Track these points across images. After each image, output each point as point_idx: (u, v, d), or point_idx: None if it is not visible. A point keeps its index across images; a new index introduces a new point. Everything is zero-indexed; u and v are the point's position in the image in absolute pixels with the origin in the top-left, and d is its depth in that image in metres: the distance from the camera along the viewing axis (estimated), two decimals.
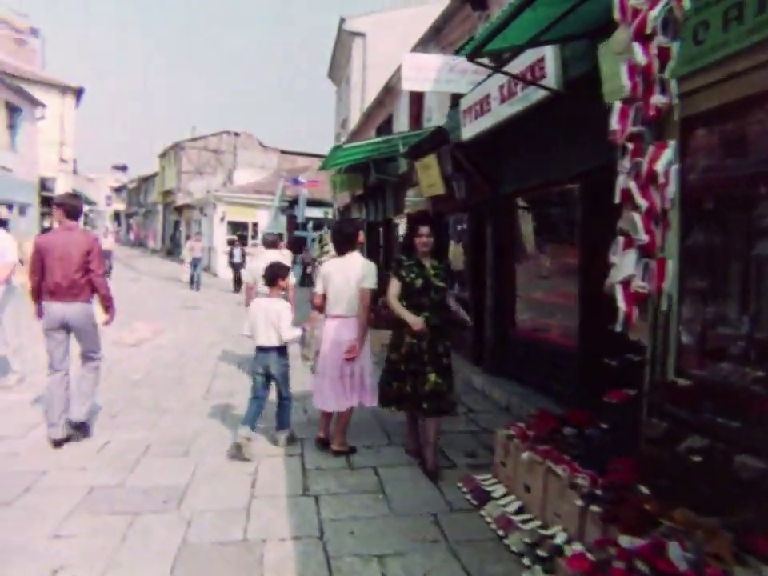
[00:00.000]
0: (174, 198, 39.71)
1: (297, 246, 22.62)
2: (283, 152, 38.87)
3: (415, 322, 4.47)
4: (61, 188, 27.15)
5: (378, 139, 9.90)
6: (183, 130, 56.10)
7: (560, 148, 5.84)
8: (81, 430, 5.24)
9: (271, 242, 8.16)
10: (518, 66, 5.46)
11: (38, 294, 5.08)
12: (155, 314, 14.12)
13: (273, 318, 4.99)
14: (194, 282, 20.30)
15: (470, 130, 6.89)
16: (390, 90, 12.75)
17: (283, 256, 8.32)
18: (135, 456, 4.87)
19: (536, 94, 5.32)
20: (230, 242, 23.53)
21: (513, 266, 7.42)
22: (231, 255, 21.21)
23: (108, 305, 5.31)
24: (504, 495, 4.04)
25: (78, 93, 26.92)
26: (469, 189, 8.04)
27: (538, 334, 7.00)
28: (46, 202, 23.18)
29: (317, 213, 25.34)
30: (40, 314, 5.15)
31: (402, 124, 11.87)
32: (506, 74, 5.60)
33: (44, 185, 23.48)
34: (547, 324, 6.90)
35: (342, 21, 19.28)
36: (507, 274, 7.45)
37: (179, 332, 11.61)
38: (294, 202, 26.07)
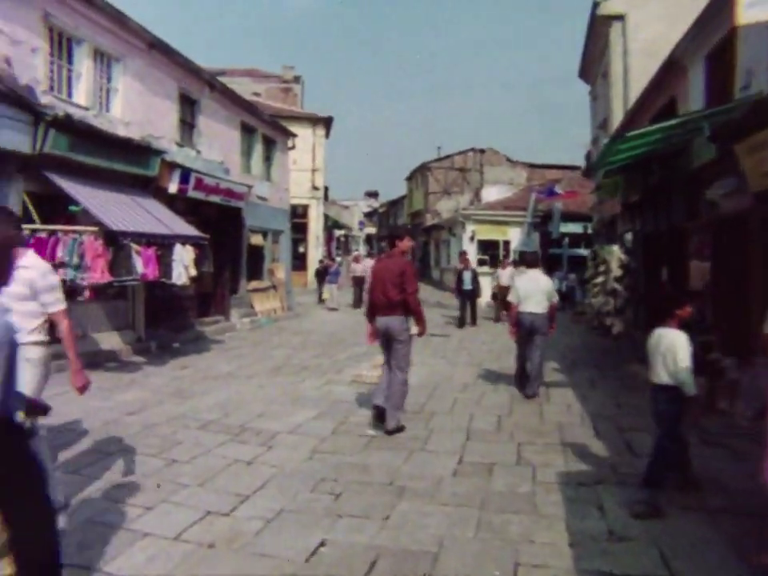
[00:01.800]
0: (422, 220, 39.95)
1: (551, 264, 20.38)
2: (531, 166, 37.04)
3: None
4: (313, 214, 28.51)
5: (672, 122, 7.46)
6: (429, 151, 57.17)
7: None
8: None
9: (532, 261, 8.33)
10: None
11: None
12: None
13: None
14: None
15: None
16: (672, 66, 10.12)
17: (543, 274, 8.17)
18: None
19: None
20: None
21: None
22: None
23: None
24: None
25: (328, 122, 28.01)
26: None
27: None
28: (298, 228, 24.23)
29: (573, 227, 22.85)
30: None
31: (694, 105, 9.20)
32: None
33: (295, 212, 24.52)
34: None
35: (596, 5, 16.76)
36: None
37: (427, 366, 10.21)
38: (546, 217, 23.88)
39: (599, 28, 17.39)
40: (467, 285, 15.93)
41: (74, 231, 8.18)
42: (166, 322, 12.11)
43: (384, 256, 6.26)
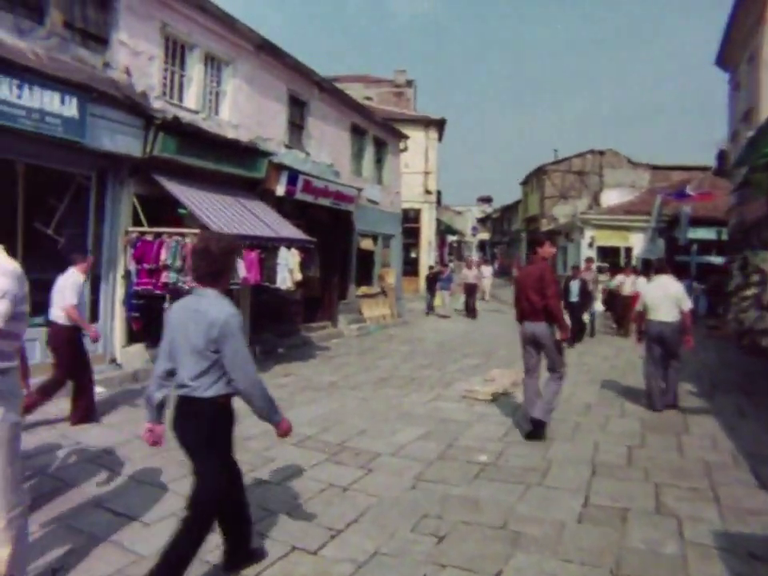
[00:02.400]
0: (538, 225, 38.36)
1: (678, 272, 18.46)
2: (655, 167, 34.39)
3: None
4: (425, 219, 27.95)
5: None
6: (545, 154, 55.35)
7: None
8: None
9: (660, 266, 8.11)
10: None
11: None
12: (516, 355, 12.18)
13: None
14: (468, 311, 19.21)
15: None
16: None
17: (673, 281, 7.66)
18: None
19: None
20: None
21: None
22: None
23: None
24: None
25: (441, 125, 27.37)
26: None
27: None
28: (409, 233, 23.70)
29: (704, 233, 20.72)
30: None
31: None
32: None
33: (407, 216, 24.05)
34: None
35: None
36: None
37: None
38: (673, 222, 21.87)
39: (749, 4, 15.52)
40: (573, 296, 13.68)
41: (178, 234, 8.05)
42: (272, 326, 11.93)
43: (527, 263, 6.66)
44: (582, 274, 14.72)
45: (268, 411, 3.27)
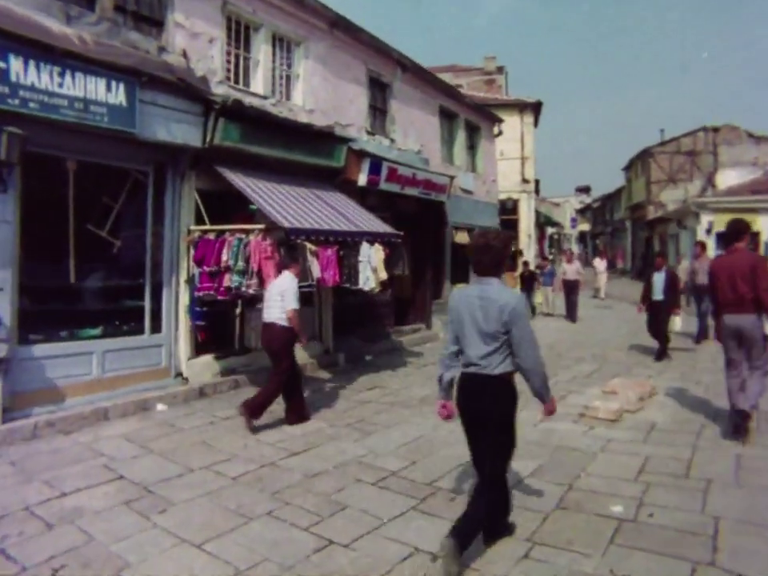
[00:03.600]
0: (644, 212, 35.35)
1: None
2: None
3: None
4: (524, 210, 26.12)
5: None
6: (649, 136, 51.48)
7: None
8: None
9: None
10: None
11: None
12: (635, 359, 10.44)
13: None
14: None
15: None
16: None
17: None
18: None
19: None
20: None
21: None
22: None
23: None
24: None
25: (536, 108, 25.46)
26: None
27: None
28: (507, 225, 21.99)
29: None
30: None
31: None
32: None
33: (504, 206, 22.38)
34: None
35: None
36: None
37: (678, 396, 7.61)
38: None
39: None
40: (657, 294, 10.31)
41: (240, 231, 7.07)
42: (358, 331, 10.84)
43: (725, 253, 6.10)
44: (698, 262, 11.70)
45: (543, 390, 3.68)
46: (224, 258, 6.79)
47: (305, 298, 8.83)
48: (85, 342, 6.87)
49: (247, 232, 6.99)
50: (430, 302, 13.56)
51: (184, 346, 7.76)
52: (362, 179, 10.31)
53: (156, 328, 7.57)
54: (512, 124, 22.93)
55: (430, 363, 10.21)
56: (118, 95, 6.53)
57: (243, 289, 6.73)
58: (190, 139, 7.46)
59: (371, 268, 8.59)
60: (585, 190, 67.93)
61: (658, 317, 10.34)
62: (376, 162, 10.48)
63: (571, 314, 16.34)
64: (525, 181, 25.62)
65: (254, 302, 8.28)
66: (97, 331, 7.03)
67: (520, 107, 24.81)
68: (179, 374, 7.76)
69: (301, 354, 9.42)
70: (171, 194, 7.68)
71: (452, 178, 13.42)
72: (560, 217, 56.58)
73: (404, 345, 11.65)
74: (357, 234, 8.44)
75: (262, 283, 6.67)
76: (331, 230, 7.94)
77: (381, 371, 9.40)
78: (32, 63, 5.81)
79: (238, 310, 8.53)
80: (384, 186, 10.84)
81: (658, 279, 10.36)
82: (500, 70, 31.52)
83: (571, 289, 16.43)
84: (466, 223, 15.69)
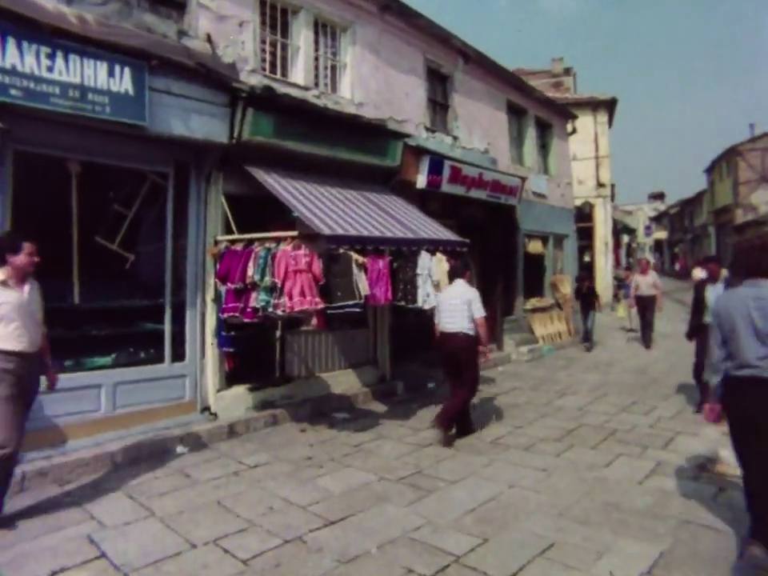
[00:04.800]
0: (731, 216, 32.49)
1: None
2: None
3: None
4: (600, 216, 24.12)
5: None
6: (736, 133, 47.99)
7: None
8: None
9: None
10: None
11: None
12: None
13: None
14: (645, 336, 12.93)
15: None
16: None
17: None
18: None
19: None
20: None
21: None
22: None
23: None
24: None
25: (610, 106, 23.52)
26: None
27: None
28: (581, 233, 20.15)
29: None
30: None
31: None
32: None
33: (581, 212, 20.56)
34: None
35: None
36: None
37: None
38: None
39: None
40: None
41: (273, 239, 5.87)
42: (419, 354, 9.47)
43: None
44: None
45: None
46: (249, 272, 5.61)
47: (356, 318, 7.62)
48: (92, 372, 5.82)
49: (279, 240, 5.78)
50: (501, 319, 12.03)
51: (212, 375, 6.62)
52: (422, 180, 9.00)
53: (178, 355, 6.45)
54: (585, 124, 21.10)
55: (503, 392, 8.72)
56: (122, 82, 5.49)
57: (270, 309, 5.50)
58: (214, 134, 6.35)
59: (432, 282, 7.20)
60: (658, 196, 66.08)
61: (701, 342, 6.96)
62: (437, 161, 9.15)
63: (645, 336, 12.99)
64: (600, 185, 23.69)
65: (298, 323, 7.11)
66: (107, 360, 5.97)
67: (593, 105, 22.96)
68: (206, 409, 6.61)
69: (352, 382, 8.18)
70: (196, 199, 6.59)
71: (523, 179, 11.92)
72: (633, 225, 53.83)
73: None
74: (414, 242, 7.11)
75: (292, 302, 5.41)
76: (383, 236, 6.65)
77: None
78: (11, 41, 4.83)
79: (278, 333, 7.36)
80: (447, 187, 9.49)
81: (711, 293, 6.89)
82: (567, 71, 29.78)
83: (646, 306, 12.82)
84: (538, 231, 14.11)
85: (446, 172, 9.36)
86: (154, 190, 6.39)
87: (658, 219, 63.17)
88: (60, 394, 5.39)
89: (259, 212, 6.91)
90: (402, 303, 6.89)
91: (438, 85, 10.74)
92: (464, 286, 6.38)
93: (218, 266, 6.15)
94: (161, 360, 6.32)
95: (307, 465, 5.55)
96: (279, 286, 5.44)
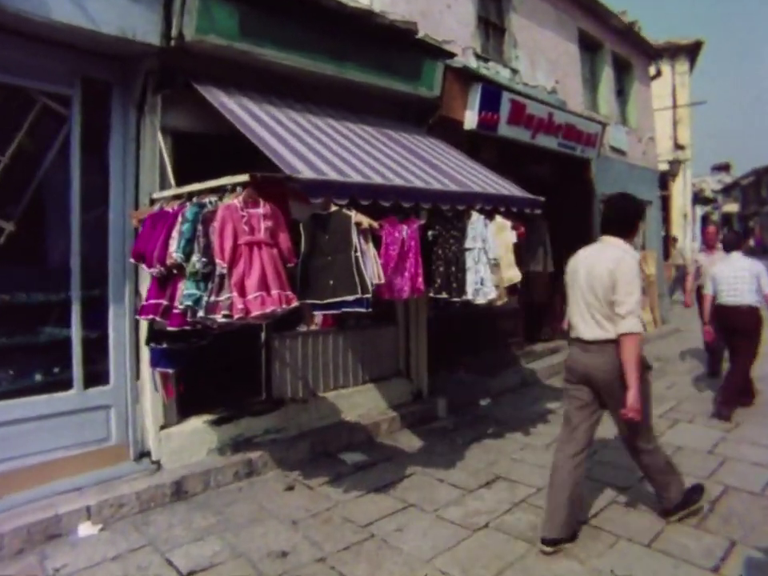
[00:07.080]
0: None
1: None
2: None
3: None
4: (678, 183, 20.95)
5: None
6: None
7: None
8: None
9: None
10: None
11: None
12: None
13: None
14: None
15: None
16: None
17: None
18: None
19: None
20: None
21: None
22: None
23: None
24: None
25: (692, 51, 20.13)
26: None
27: None
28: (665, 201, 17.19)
29: None
30: None
31: None
32: None
33: (664, 176, 17.55)
34: None
35: None
36: None
37: None
38: None
39: None
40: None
41: (209, 191, 3.51)
42: (468, 358, 7.05)
43: None
44: None
45: None
46: (171, 247, 3.27)
47: (379, 312, 5.22)
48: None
49: (220, 191, 3.40)
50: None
51: (153, 404, 4.35)
52: (471, 118, 6.49)
53: (97, 377, 4.20)
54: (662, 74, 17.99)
55: None
56: None
57: (201, 313, 3.13)
58: (137, 29, 3.95)
59: (489, 262, 4.63)
60: (723, 167, 60.64)
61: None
62: (492, 91, 6.62)
63: (713, 362, 8.37)
64: (678, 146, 20.50)
65: (295, 322, 4.87)
66: None
67: (671, 52, 19.56)
68: (145, 455, 4.36)
69: (373, 404, 5.81)
70: (121, 137, 4.25)
71: (604, 125, 9.22)
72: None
73: (538, 376, 7.66)
74: (461, 197, 4.57)
75: (245, 300, 3.05)
76: (408, 186, 4.19)
77: (505, 433, 5.54)
78: None
79: (262, 336, 5.05)
80: (505, 130, 6.93)
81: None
82: (632, 25, 26.35)
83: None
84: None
85: (505, 108, 6.81)
86: (47, 121, 4.09)
87: (726, 191, 58.71)
88: None
89: (229, 160, 4.53)
90: (443, 296, 4.44)
91: (493, 1, 8.14)
92: (746, 258, 5.88)
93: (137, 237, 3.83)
94: (67, 385, 4.08)
95: (277, 572, 3.25)
96: (221, 270, 3.09)
